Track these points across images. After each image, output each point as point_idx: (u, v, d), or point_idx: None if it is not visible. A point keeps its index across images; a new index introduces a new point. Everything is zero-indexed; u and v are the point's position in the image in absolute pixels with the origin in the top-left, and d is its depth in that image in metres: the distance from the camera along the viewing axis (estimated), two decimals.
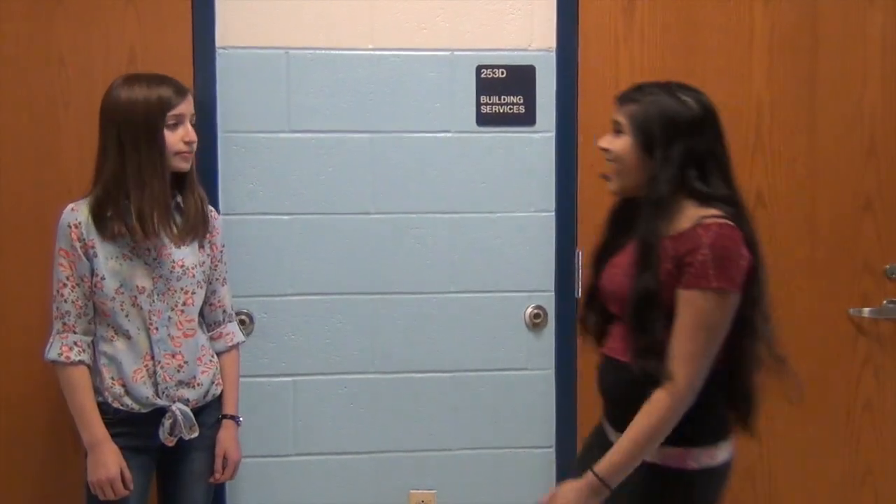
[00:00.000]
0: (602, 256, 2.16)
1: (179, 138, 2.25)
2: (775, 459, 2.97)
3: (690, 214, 1.95)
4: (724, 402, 2.01)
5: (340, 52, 2.78)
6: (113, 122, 2.22)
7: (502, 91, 2.80)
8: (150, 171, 2.21)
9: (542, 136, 2.85)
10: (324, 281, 2.83)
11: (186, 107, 2.27)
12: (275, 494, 2.87)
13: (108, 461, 2.22)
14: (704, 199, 1.96)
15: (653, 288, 1.91)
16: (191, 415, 2.32)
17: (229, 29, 2.74)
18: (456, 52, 2.79)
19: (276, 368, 2.84)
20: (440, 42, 2.79)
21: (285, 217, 2.80)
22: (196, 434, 2.34)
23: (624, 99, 2.05)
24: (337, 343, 2.85)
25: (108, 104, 2.24)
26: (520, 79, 2.82)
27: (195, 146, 2.30)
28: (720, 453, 2.00)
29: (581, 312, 2.23)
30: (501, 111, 2.83)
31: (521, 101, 2.83)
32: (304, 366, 2.84)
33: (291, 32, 2.76)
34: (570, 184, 2.85)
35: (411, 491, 2.90)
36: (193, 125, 2.31)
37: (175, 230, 2.30)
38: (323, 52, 2.77)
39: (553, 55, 2.84)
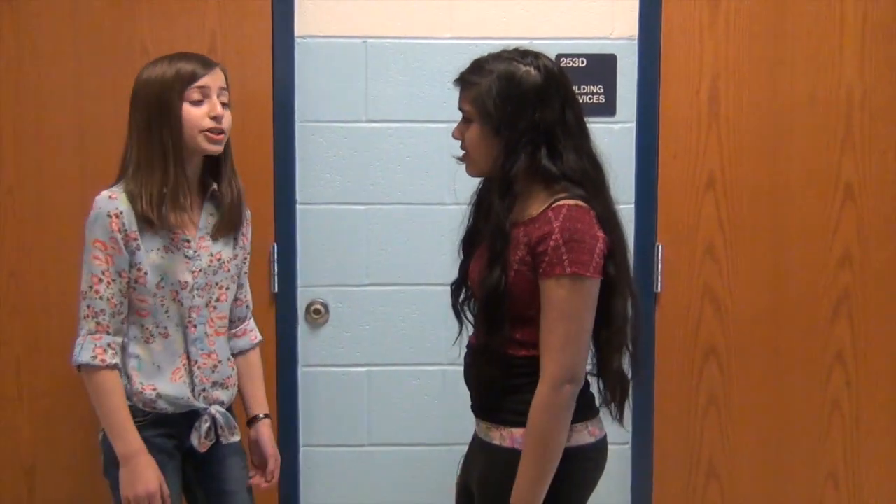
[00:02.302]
0: (470, 242, 2.11)
1: (204, 114, 2.06)
2: None
3: (541, 197, 1.91)
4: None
5: (419, 40, 2.76)
6: (133, 103, 2.09)
7: (582, 80, 2.74)
8: (161, 152, 2.04)
9: (623, 126, 2.79)
10: (399, 272, 2.82)
11: (213, 79, 2.08)
12: (348, 484, 2.87)
13: (148, 475, 2.03)
14: (555, 179, 1.90)
15: (500, 287, 1.87)
16: (230, 417, 2.20)
17: (308, 18, 2.73)
18: (535, 41, 2.71)
19: (351, 358, 2.84)
20: (519, 30, 2.75)
21: (361, 207, 2.80)
22: (238, 438, 2.21)
23: (464, 83, 1.98)
24: (411, 334, 2.84)
25: (134, 85, 2.10)
26: (600, 68, 2.77)
27: (225, 124, 2.10)
28: (579, 435, 1.93)
29: (453, 299, 2.16)
30: (581, 101, 2.75)
31: (602, 90, 2.78)
32: (378, 356, 2.84)
33: (370, 21, 2.74)
34: (650, 176, 2.79)
35: None
36: (227, 103, 2.12)
37: (210, 222, 2.17)
38: (401, 41, 2.75)
39: (635, 44, 2.78)
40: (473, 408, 2.08)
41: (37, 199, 2.72)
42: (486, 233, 1.96)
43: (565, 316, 1.84)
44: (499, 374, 1.93)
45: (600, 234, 1.87)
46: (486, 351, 1.94)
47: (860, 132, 2.81)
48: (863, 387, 2.87)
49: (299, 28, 2.73)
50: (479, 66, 1.96)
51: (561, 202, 1.87)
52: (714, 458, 2.89)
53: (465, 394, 2.81)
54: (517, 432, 1.92)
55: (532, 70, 1.91)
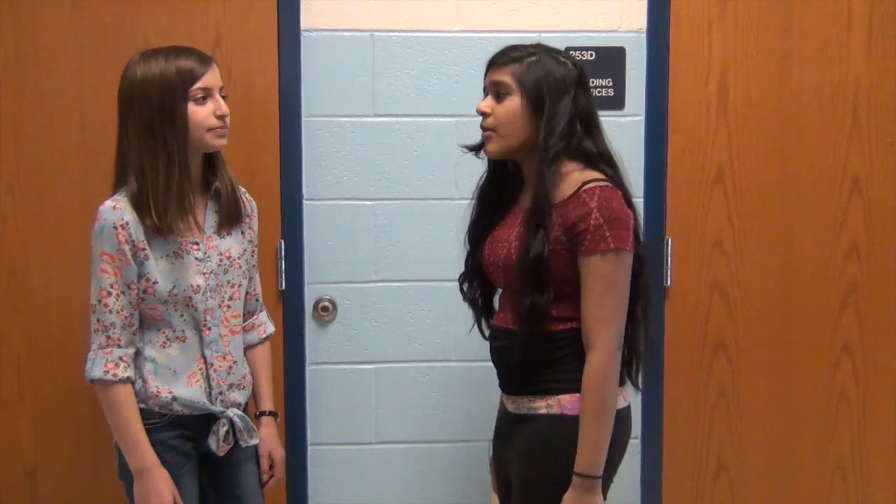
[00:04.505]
0: (479, 232, 2.17)
1: (210, 112, 2.03)
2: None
3: (573, 179, 1.97)
4: None
5: (426, 34, 2.73)
6: (128, 105, 2.02)
7: (591, 73, 2.64)
8: (165, 155, 1.98)
9: (632, 120, 2.78)
10: (407, 267, 2.79)
11: (213, 78, 2.04)
12: (356, 482, 2.85)
13: (161, 488, 2.01)
14: (589, 160, 1.99)
15: (545, 254, 1.93)
16: (248, 420, 2.16)
17: (314, 11, 2.70)
18: (544, 34, 2.70)
19: (359, 356, 2.81)
20: (528, 24, 2.73)
21: (369, 202, 2.77)
22: (257, 440, 2.19)
23: (503, 60, 2.02)
24: (420, 330, 2.81)
25: (124, 85, 2.03)
26: (609, 61, 2.75)
27: (229, 120, 2.08)
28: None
29: (466, 291, 2.24)
30: None
31: (610, 83, 2.76)
32: (386, 353, 2.81)
33: (377, 15, 2.71)
34: (659, 169, 2.78)
35: None
36: (224, 97, 2.08)
37: (215, 219, 2.13)
38: (408, 34, 2.72)
39: (644, 37, 2.76)
40: (508, 386, 2.11)
41: (37, 196, 2.67)
42: (525, 210, 2.01)
43: (612, 288, 1.93)
44: (540, 350, 1.99)
45: (630, 211, 1.97)
46: (529, 322, 1.98)
47: (867, 125, 2.81)
48: (870, 378, 2.88)
49: (305, 21, 2.69)
50: (518, 47, 2.02)
51: (591, 185, 1.94)
52: (723, 452, 2.89)
53: (473, 390, 2.82)
54: (564, 399, 2.00)
55: (568, 60, 2.02)
